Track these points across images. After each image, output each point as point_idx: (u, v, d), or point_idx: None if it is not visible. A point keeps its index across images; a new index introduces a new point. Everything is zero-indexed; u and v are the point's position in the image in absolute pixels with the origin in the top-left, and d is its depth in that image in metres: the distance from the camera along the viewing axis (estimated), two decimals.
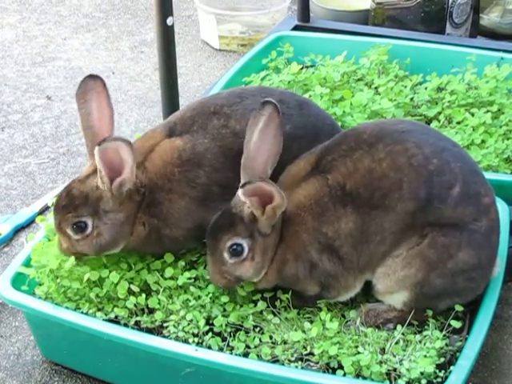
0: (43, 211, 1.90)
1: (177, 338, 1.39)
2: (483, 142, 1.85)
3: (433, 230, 1.35)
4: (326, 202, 1.38)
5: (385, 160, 1.35)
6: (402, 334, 1.38)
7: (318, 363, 1.34)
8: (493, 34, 2.49)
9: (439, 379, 1.29)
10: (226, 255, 1.39)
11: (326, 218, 1.38)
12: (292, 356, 1.35)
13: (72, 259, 1.45)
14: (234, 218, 1.39)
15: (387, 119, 1.88)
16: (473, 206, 1.36)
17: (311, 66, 2.20)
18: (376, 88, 2.06)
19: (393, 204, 1.34)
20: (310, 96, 2.01)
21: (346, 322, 1.43)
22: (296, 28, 2.43)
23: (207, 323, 1.41)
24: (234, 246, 1.38)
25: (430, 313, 1.40)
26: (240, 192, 1.33)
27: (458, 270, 1.36)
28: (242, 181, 1.36)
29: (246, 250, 1.39)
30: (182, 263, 1.50)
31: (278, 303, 1.45)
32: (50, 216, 1.60)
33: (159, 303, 1.44)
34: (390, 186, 1.34)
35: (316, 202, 1.38)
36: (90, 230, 1.42)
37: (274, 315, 1.44)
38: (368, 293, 1.46)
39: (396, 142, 1.37)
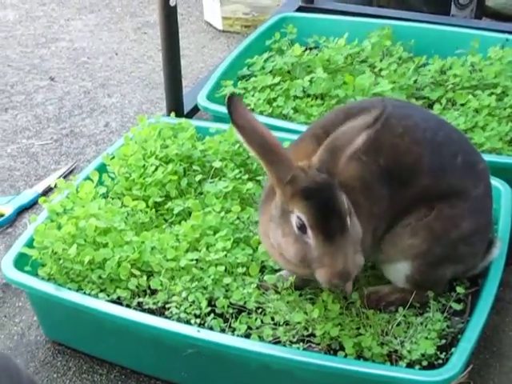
0: (46, 192, 1.89)
1: (179, 319, 1.38)
2: (486, 124, 1.83)
3: (440, 202, 1.35)
4: (369, 181, 1.34)
5: (405, 135, 1.34)
6: (404, 315, 1.38)
7: (319, 344, 1.33)
8: (498, 16, 2.47)
9: (440, 361, 1.29)
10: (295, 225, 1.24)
11: (373, 197, 1.34)
12: (293, 337, 1.35)
13: (75, 244, 1.44)
14: (338, 188, 1.26)
15: (381, 98, 1.85)
16: (473, 173, 1.38)
17: (315, 48, 2.19)
18: (380, 70, 2.04)
19: (415, 179, 1.34)
20: (312, 78, 1.99)
21: (348, 303, 1.41)
22: (300, 9, 2.42)
23: (209, 304, 1.40)
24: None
25: (431, 294, 1.39)
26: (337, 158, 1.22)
27: (461, 238, 1.36)
28: None
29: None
30: (183, 245, 1.48)
31: (280, 284, 1.43)
32: (53, 197, 1.60)
33: (161, 284, 1.43)
34: (414, 160, 1.33)
35: (361, 181, 1.33)
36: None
37: (277, 296, 1.42)
38: (370, 275, 1.45)
39: (405, 117, 1.36)
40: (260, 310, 1.40)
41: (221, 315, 1.39)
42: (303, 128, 1.56)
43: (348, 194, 1.28)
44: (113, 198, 1.63)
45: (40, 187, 1.92)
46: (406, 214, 1.36)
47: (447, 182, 1.35)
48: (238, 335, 1.35)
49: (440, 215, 1.35)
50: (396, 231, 1.37)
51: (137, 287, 1.43)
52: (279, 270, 1.47)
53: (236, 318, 1.38)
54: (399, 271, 1.40)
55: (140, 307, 1.41)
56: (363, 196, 1.33)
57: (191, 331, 1.33)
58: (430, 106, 1.92)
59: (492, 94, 1.91)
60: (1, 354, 1.18)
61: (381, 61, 2.07)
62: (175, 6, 1.79)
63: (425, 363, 1.29)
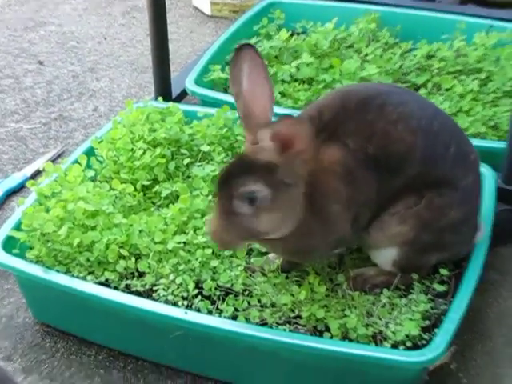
0: (35, 176, 1.89)
1: (166, 302, 1.38)
2: (471, 109, 1.83)
3: (430, 191, 1.34)
4: (354, 168, 1.30)
5: (398, 122, 1.31)
6: (388, 297, 1.38)
7: (305, 326, 1.34)
8: (483, 2, 2.46)
9: (424, 341, 1.29)
10: (238, 204, 1.22)
11: (357, 184, 1.31)
12: (280, 319, 1.35)
13: (66, 226, 1.44)
14: (249, 162, 1.23)
15: (371, 82, 1.86)
16: (463, 164, 1.36)
17: (302, 33, 2.19)
18: (366, 55, 2.04)
19: (406, 167, 1.32)
20: (300, 64, 1.99)
21: (334, 285, 1.42)
22: None
23: (197, 287, 1.40)
24: (250, 193, 1.21)
25: (415, 277, 1.40)
26: (267, 134, 1.17)
27: (448, 227, 1.36)
28: (248, 130, 1.27)
29: (265, 197, 1.22)
30: (171, 228, 1.48)
31: (267, 267, 1.44)
32: (41, 180, 1.59)
33: (149, 267, 1.44)
34: (406, 149, 1.31)
35: (345, 168, 1.30)
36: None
37: (264, 279, 1.43)
38: (356, 258, 1.46)
39: (402, 104, 1.33)
40: (247, 293, 1.40)
41: (208, 297, 1.39)
42: (290, 112, 1.56)
43: (327, 179, 1.29)
44: (101, 182, 1.63)
45: (28, 171, 1.92)
46: (395, 201, 1.35)
47: (438, 171, 1.34)
48: (225, 317, 1.35)
49: (429, 204, 1.34)
50: (384, 218, 1.36)
51: (125, 269, 1.43)
52: (266, 253, 1.48)
53: (223, 300, 1.39)
54: (386, 256, 1.40)
55: (128, 289, 1.41)
56: (344, 182, 1.31)
57: (178, 313, 1.33)
58: (416, 91, 1.91)
59: (476, 78, 1.92)
60: None
61: (367, 46, 2.07)
62: None
63: (409, 344, 1.29)
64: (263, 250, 1.48)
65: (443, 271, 1.41)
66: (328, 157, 1.30)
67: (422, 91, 1.91)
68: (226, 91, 1.96)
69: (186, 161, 1.66)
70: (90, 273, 1.44)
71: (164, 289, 1.40)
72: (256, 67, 1.30)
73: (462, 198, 1.36)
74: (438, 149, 1.33)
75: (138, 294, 1.40)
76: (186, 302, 1.38)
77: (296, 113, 1.47)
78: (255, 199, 1.22)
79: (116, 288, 1.41)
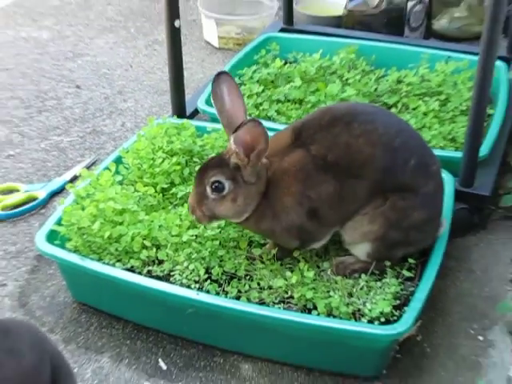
0: (73, 180, 1.88)
1: (181, 284, 1.38)
2: (433, 125, 1.83)
3: (394, 195, 1.33)
4: (310, 170, 1.32)
5: (361, 137, 1.31)
6: (366, 281, 1.38)
7: (296, 305, 1.34)
8: (442, 37, 2.48)
9: (395, 317, 1.30)
10: (208, 190, 1.32)
11: (310, 183, 1.33)
12: (276, 299, 1.35)
13: (98, 221, 1.44)
14: (222, 160, 1.32)
15: (356, 102, 1.86)
16: (424, 174, 1.35)
17: (294, 62, 2.19)
18: (347, 80, 2.04)
19: (365, 173, 1.31)
20: (291, 87, 1.99)
21: (320, 271, 1.42)
22: (282, 30, 2.41)
23: (206, 272, 1.40)
24: (217, 183, 1.31)
25: (388, 264, 1.40)
26: (231, 139, 1.26)
27: (412, 226, 1.35)
28: (229, 136, 1.32)
29: (227, 189, 1.31)
30: (186, 223, 1.48)
31: (265, 256, 1.44)
32: (78, 184, 1.59)
33: (167, 256, 1.44)
34: (365, 158, 1.31)
35: (301, 169, 1.33)
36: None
37: (262, 265, 1.43)
38: (339, 248, 1.46)
39: (368, 122, 1.33)
40: (248, 277, 1.41)
41: (216, 281, 1.39)
42: (283, 127, 1.56)
43: (282, 176, 1.33)
44: (127, 185, 1.62)
45: (68, 176, 1.92)
46: (365, 204, 1.34)
47: (398, 179, 1.33)
48: (229, 297, 1.35)
49: (393, 206, 1.33)
50: (357, 219, 1.35)
51: (147, 258, 1.43)
52: (265, 244, 1.48)
53: (228, 283, 1.39)
54: (361, 250, 1.39)
55: (149, 274, 1.41)
56: (297, 180, 1.33)
57: (191, 294, 1.34)
58: (388, 110, 1.91)
59: (437, 100, 1.91)
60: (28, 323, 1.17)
61: (348, 72, 2.07)
62: (179, 28, 1.78)
63: (382, 319, 1.29)
64: (262, 241, 1.48)
65: (411, 260, 1.41)
66: (290, 159, 1.34)
67: (393, 110, 1.91)
68: None
69: (198, 167, 1.65)
70: (118, 260, 1.44)
71: (179, 274, 1.40)
72: (232, 88, 1.39)
73: (424, 202, 1.35)
74: (397, 161, 1.32)
75: (158, 278, 1.40)
76: (197, 285, 1.38)
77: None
78: (220, 189, 1.31)
79: (140, 273, 1.41)
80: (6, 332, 0.94)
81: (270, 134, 1.62)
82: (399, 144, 1.32)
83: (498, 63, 1.91)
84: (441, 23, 2.54)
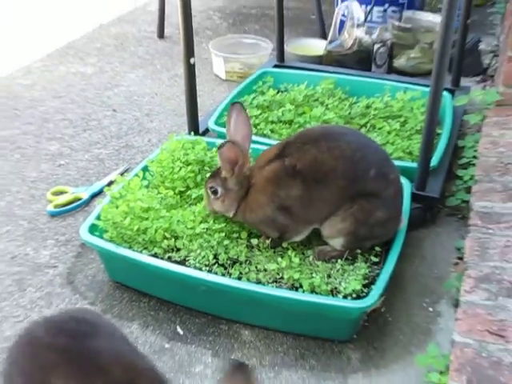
0: (109, 184, 1.86)
1: (195, 267, 1.37)
2: (394, 141, 1.82)
3: (360, 199, 1.31)
4: (281, 176, 1.33)
5: (325, 152, 1.30)
6: (341, 265, 1.37)
7: (286, 284, 1.33)
8: (401, 73, 2.47)
9: (364, 294, 1.29)
10: (209, 192, 1.42)
11: (280, 185, 1.34)
12: (269, 279, 1.34)
13: (129, 217, 1.42)
14: (217, 173, 1.41)
15: (331, 125, 1.85)
16: (383, 181, 1.33)
17: (285, 91, 2.17)
18: (326, 105, 2.02)
19: (330, 181, 1.30)
20: (283, 111, 1.98)
21: (305, 257, 1.41)
22: (275, 66, 2.39)
23: (214, 258, 1.39)
24: (213, 189, 1.41)
25: (358, 251, 1.39)
26: (218, 154, 1.34)
27: (376, 223, 1.33)
28: None
29: (219, 193, 1.40)
30: (198, 218, 1.47)
31: (261, 245, 1.42)
32: (113, 187, 1.58)
33: (183, 245, 1.42)
34: (328, 169, 1.30)
35: (274, 175, 1.34)
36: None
37: (259, 253, 1.41)
38: (320, 240, 1.44)
39: (333, 140, 1.32)
40: (248, 262, 1.39)
41: (222, 265, 1.38)
42: (276, 142, 1.54)
43: (261, 181, 1.36)
44: (152, 188, 1.61)
45: (105, 181, 1.89)
46: (338, 207, 1.33)
47: (361, 186, 1.31)
48: (233, 278, 1.34)
49: (360, 207, 1.31)
50: (332, 218, 1.34)
51: (167, 246, 1.42)
52: (261, 235, 1.46)
53: (232, 266, 1.37)
54: (337, 242, 1.38)
55: (169, 259, 1.40)
56: (271, 183, 1.35)
57: (203, 275, 1.33)
58: (360, 129, 1.90)
59: (398, 121, 1.90)
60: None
61: (328, 99, 2.06)
62: (194, 64, 1.77)
63: (354, 295, 1.28)
64: (259, 233, 1.47)
65: (377, 248, 1.40)
66: (269, 168, 1.36)
67: (364, 129, 1.90)
68: None
69: (208, 174, 1.63)
70: (144, 248, 1.42)
71: (193, 259, 1.39)
72: (239, 115, 1.42)
73: (386, 204, 1.33)
74: (357, 172, 1.30)
75: (176, 262, 1.39)
76: (207, 268, 1.37)
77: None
78: (215, 192, 1.40)
79: (162, 258, 1.40)
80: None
81: (264, 147, 1.63)
82: (359, 158, 1.30)
83: (445, 93, 1.89)
84: (400, 62, 2.53)
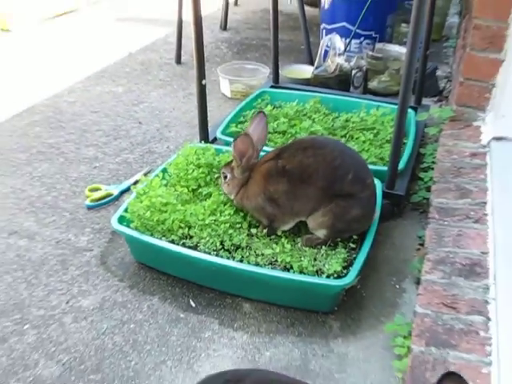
0: (135, 183, 1.81)
1: (205, 252, 1.33)
2: (369, 149, 1.77)
3: (338, 198, 1.28)
4: (273, 173, 1.32)
5: (311, 157, 1.28)
6: (325, 250, 1.33)
7: (280, 265, 1.29)
8: (374, 93, 2.42)
9: (343, 274, 1.25)
10: (221, 176, 1.42)
11: (270, 181, 1.32)
12: (266, 262, 1.30)
13: (150, 210, 1.38)
14: (230, 162, 1.41)
15: (319, 136, 1.80)
16: (360, 185, 1.29)
17: (279, 107, 2.12)
18: (313, 119, 1.98)
19: (312, 181, 1.27)
20: (278, 123, 1.93)
21: (296, 244, 1.36)
22: (271, 87, 2.34)
23: (221, 244, 1.35)
24: (224, 174, 1.41)
25: (339, 239, 1.35)
26: (232, 146, 1.32)
27: (352, 219, 1.30)
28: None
29: (228, 178, 1.39)
30: (208, 212, 1.42)
31: (259, 233, 1.38)
32: (139, 185, 1.53)
33: (195, 233, 1.38)
34: (311, 171, 1.27)
35: (267, 172, 1.33)
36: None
37: (257, 240, 1.37)
38: (307, 230, 1.40)
39: (319, 148, 1.29)
40: (248, 247, 1.35)
41: (227, 250, 1.34)
42: (271, 149, 1.50)
43: (257, 175, 1.34)
44: (170, 186, 1.56)
45: (132, 180, 1.84)
46: (320, 204, 1.29)
47: (339, 187, 1.27)
48: (236, 261, 1.30)
49: (337, 205, 1.27)
50: (315, 213, 1.30)
51: (182, 234, 1.38)
52: (259, 226, 1.42)
53: (235, 251, 1.33)
54: (320, 232, 1.33)
55: (184, 245, 1.36)
56: (263, 178, 1.33)
57: (212, 258, 1.29)
58: (341, 138, 1.85)
59: (371, 133, 1.86)
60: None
61: (314, 114, 2.01)
62: (205, 85, 1.74)
63: (335, 275, 1.25)
64: (258, 224, 1.42)
65: (354, 236, 1.35)
66: (265, 165, 1.34)
67: (343, 139, 1.85)
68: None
69: (216, 175, 1.59)
70: (163, 235, 1.38)
71: (203, 245, 1.35)
72: (261, 120, 1.42)
73: (361, 204, 1.30)
74: (337, 175, 1.27)
75: (190, 247, 1.35)
76: (215, 252, 1.33)
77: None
78: (226, 177, 1.40)
79: (177, 244, 1.36)
80: None
81: (262, 153, 1.58)
82: (339, 163, 1.27)
83: (409, 110, 1.85)
84: (373, 84, 2.48)
